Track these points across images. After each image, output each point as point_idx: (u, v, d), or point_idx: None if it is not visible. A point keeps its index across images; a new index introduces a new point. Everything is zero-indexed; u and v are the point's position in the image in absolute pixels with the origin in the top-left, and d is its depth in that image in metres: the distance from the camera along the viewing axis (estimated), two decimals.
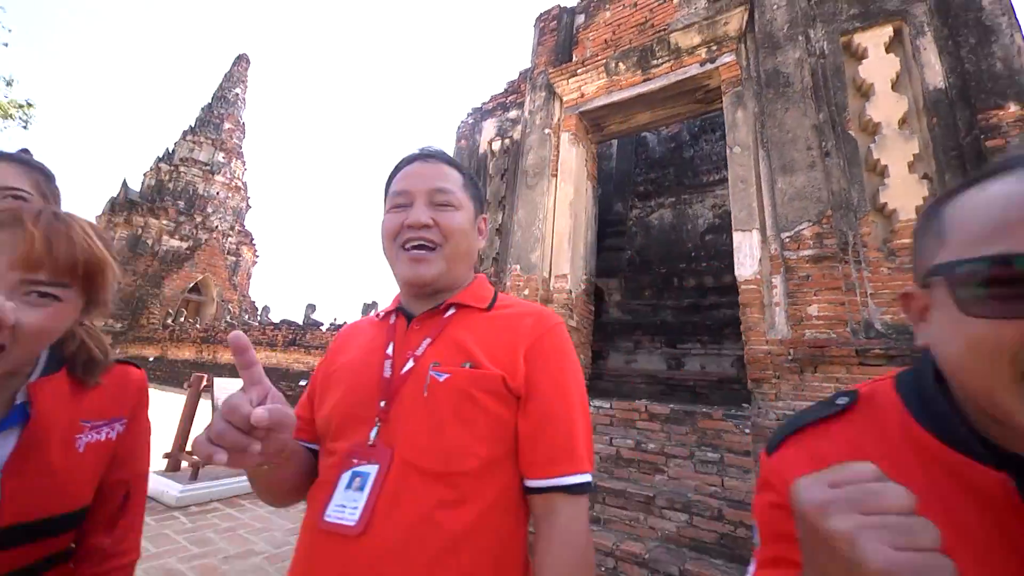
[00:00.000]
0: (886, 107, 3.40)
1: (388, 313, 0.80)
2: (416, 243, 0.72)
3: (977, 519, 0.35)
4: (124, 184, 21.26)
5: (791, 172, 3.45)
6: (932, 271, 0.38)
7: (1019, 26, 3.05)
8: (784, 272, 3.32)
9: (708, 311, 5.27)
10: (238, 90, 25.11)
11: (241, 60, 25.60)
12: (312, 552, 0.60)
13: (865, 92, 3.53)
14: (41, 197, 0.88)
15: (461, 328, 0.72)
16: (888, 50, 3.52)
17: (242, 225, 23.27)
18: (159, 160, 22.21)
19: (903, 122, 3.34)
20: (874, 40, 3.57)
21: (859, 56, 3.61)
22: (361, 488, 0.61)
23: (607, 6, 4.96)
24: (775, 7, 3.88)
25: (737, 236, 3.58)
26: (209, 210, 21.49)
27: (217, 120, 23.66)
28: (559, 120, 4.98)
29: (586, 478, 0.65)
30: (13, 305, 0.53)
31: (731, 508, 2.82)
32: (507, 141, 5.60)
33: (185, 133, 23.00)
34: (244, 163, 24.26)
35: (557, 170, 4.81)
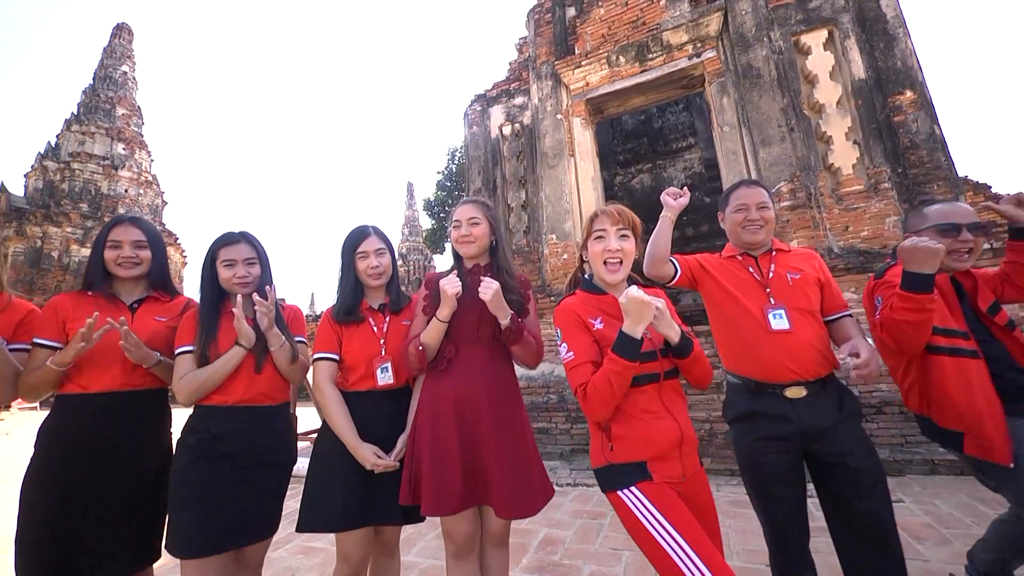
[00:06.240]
0: (827, 92, 4.69)
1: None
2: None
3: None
4: (3, 189, 18.22)
5: (768, 145, 4.67)
6: (925, 228, 1.45)
7: (910, 35, 4.42)
8: None
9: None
10: (125, 68, 21.95)
11: (122, 31, 22.21)
12: (762, 340, 1.53)
13: (811, 80, 4.79)
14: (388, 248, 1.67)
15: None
16: (825, 48, 4.78)
17: (162, 224, 21.12)
18: (42, 157, 19.19)
19: (839, 103, 4.65)
20: (814, 40, 4.81)
21: (805, 52, 4.84)
22: (781, 316, 1.56)
23: (599, 3, 5.75)
24: (744, 12, 4.96)
25: None
26: (121, 210, 19.22)
27: (107, 105, 20.69)
28: (568, 106, 5.79)
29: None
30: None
31: None
32: (517, 126, 6.32)
33: (69, 122, 19.93)
34: (150, 154, 21.68)
35: (574, 151, 5.68)
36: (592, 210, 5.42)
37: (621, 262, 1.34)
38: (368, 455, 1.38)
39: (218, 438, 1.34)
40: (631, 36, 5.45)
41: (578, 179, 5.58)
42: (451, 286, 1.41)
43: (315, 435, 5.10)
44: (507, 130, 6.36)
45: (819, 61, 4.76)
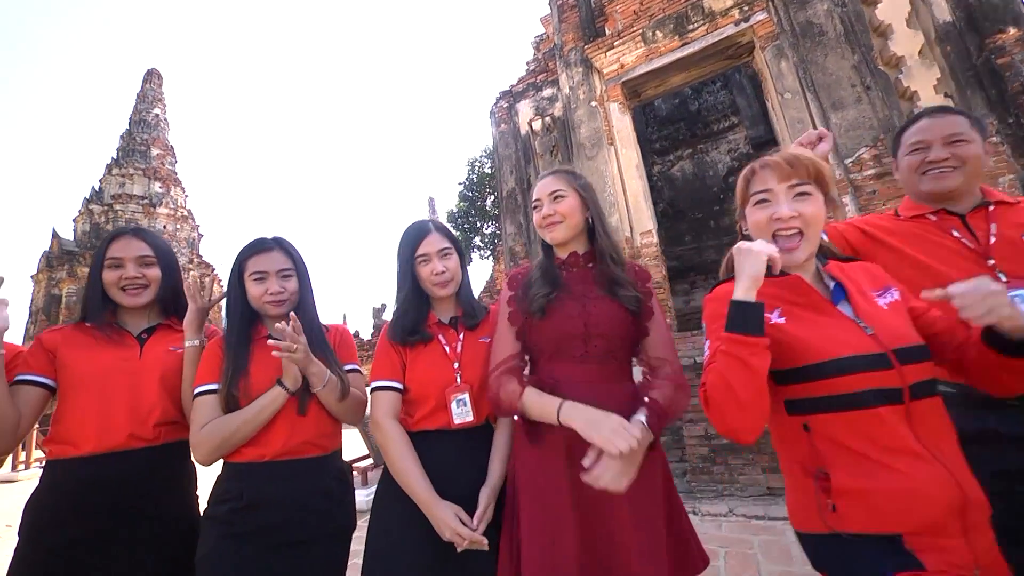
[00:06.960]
0: (905, 42, 4.11)
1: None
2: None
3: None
4: (55, 234, 19.26)
5: (842, 108, 4.11)
6: None
7: None
8: (852, 191, 4.02)
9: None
10: (157, 111, 22.98)
11: (152, 76, 23.32)
12: None
13: (883, 32, 4.21)
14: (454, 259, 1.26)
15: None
16: None
17: (199, 256, 21.82)
18: (88, 201, 20.18)
19: (921, 53, 4.06)
20: None
21: (873, 2, 4.28)
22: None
23: None
24: None
25: None
26: None
27: (142, 147, 21.67)
28: (603, 92, 5.38)
29: None
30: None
31: None
32: (547, 119, 5.94)
33: (110, 167, 20.94)
34: (184, 190, 22.54)
35: (613, 138, 5.25)
36: (639, 199, 5.02)
37: (801, 233, 0.91)
38: (449, 519, 0.99)
39: (254, 507, 0.99)
40: (667, 8, 5.01)
41: (621, 168, 5.14)
42: (621, 440, 0.87)
43: (362, 463, 4.69)
44: (537, 125, 5.99)
45: (891, 9, 4.19)
